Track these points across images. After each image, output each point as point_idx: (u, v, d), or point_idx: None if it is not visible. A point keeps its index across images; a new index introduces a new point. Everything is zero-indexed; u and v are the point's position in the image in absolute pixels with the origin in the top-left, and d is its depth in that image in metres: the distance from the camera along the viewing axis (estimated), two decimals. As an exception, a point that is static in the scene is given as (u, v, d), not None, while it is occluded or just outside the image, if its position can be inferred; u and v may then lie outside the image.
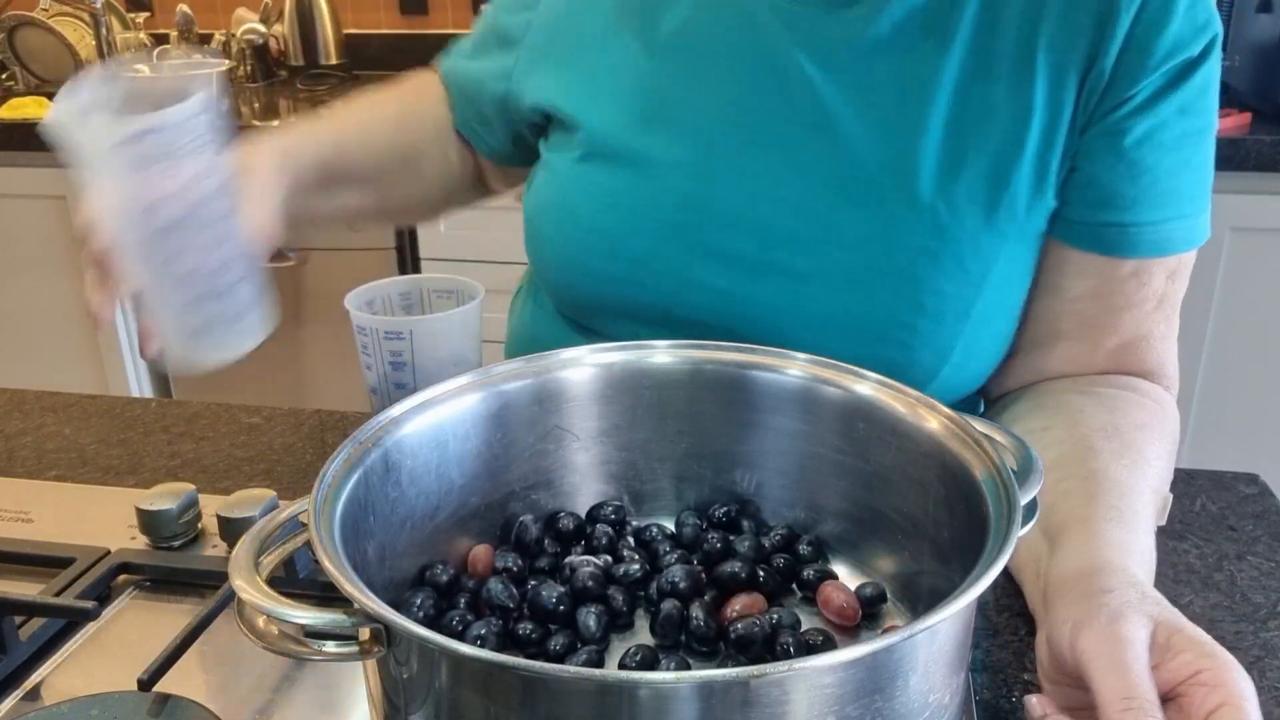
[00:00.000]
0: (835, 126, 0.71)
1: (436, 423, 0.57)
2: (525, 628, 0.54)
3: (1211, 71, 0.69)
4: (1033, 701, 0.50)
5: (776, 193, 0.72)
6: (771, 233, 0.72)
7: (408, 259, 2.02)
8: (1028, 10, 0.68)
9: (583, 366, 0.62)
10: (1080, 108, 0.69)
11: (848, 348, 0.70)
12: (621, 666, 0.52)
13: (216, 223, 0.57)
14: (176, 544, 0.70)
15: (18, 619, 0.61)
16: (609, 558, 0.60)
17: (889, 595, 0.58)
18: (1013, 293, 0.73)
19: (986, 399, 0.82)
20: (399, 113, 0.90)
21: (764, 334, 0.72)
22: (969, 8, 0.69)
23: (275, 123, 1.98)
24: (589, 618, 0.54)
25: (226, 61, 2.22)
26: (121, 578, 0.67)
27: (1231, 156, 1.68)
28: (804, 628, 0.55)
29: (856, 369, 0.59)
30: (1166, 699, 0.47)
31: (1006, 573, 0.66)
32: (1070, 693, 0.51)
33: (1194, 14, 0.67)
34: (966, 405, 0.82)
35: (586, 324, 0.81)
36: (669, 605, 0.55)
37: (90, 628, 0.63)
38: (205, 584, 0.67)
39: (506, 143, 0.88)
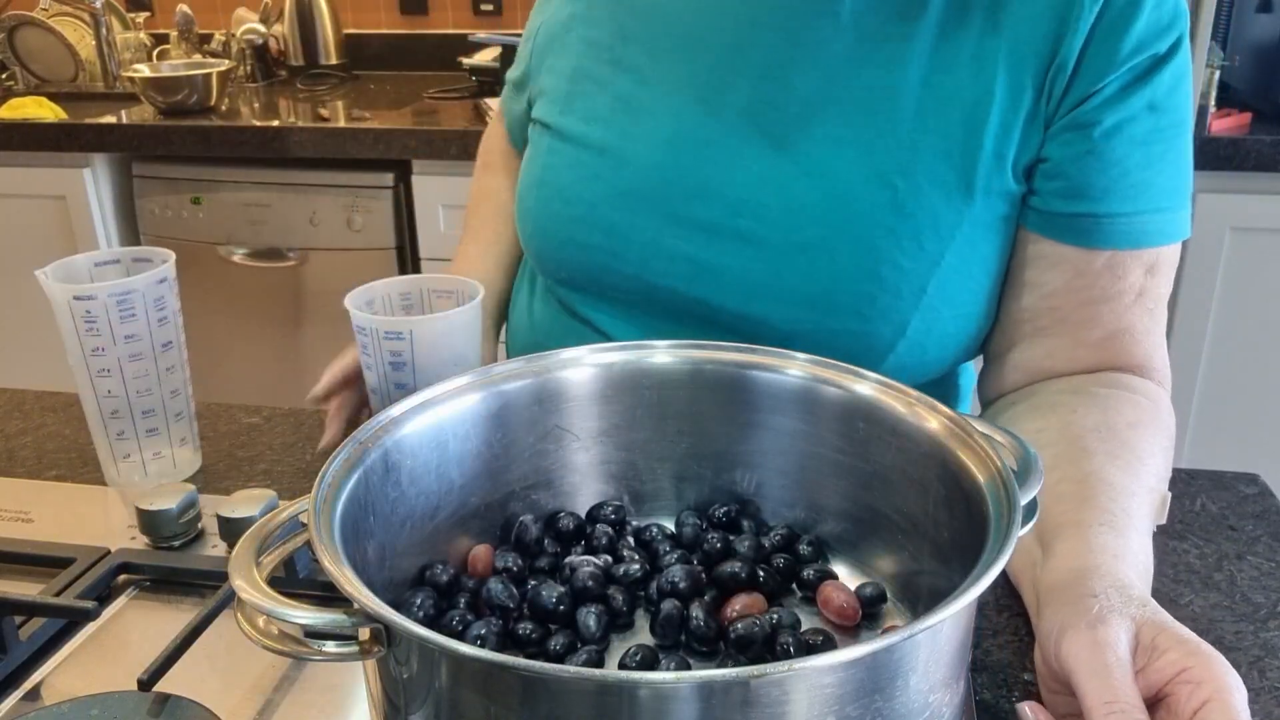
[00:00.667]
0: (799, 102, 0.73)
1: (436, 423, 0.57)
2: (525, 628, 0.54)
3: (1181, 68, 0.70)
4: (1025, 709, 0.50)
5: (741, 164, 0.75)
6: (736, 203, 0.74)
7: (408, 259, 2.02)
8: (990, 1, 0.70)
9: (583, 366, 0.62)
10: (1044, 98, 0.70)
11: (810, 316, 0.73)
12: (621, 666, 0.52)
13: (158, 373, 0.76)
14: (176, 544, 0.70)
15: (18, 619, 0.61)
16: (609, 558, 0.60)
17: (889, 595, 0.58)
18: (973, 274, 0.74)
19: (982, 403, 0.82)
20: (508, 201, 0.95)
21: (731, 302, 0.75)
22: None
23: (275, 123, 1.99)
24: (589, 618, 0.54)
25: (226, 61, 2.22)
26: (121, 578, 0.67)
27: (1231, 156, 1.68)
28: (804, 628, 0.55)
29: (856, 369, 0.59)
30: (1155, 699, 0.47)
31: (1006, 573, 0.66)
32: (1068, 700, 0.51)
33: (1160, 11, 0.68)
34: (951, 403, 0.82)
35: (571, 304, 0.84)
36: (669, 605, 0.55)
37: (90, 628, 0.63)
38: (205, 584, 0.67)
39: None
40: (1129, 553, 0.56)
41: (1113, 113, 0.69)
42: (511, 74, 0.94)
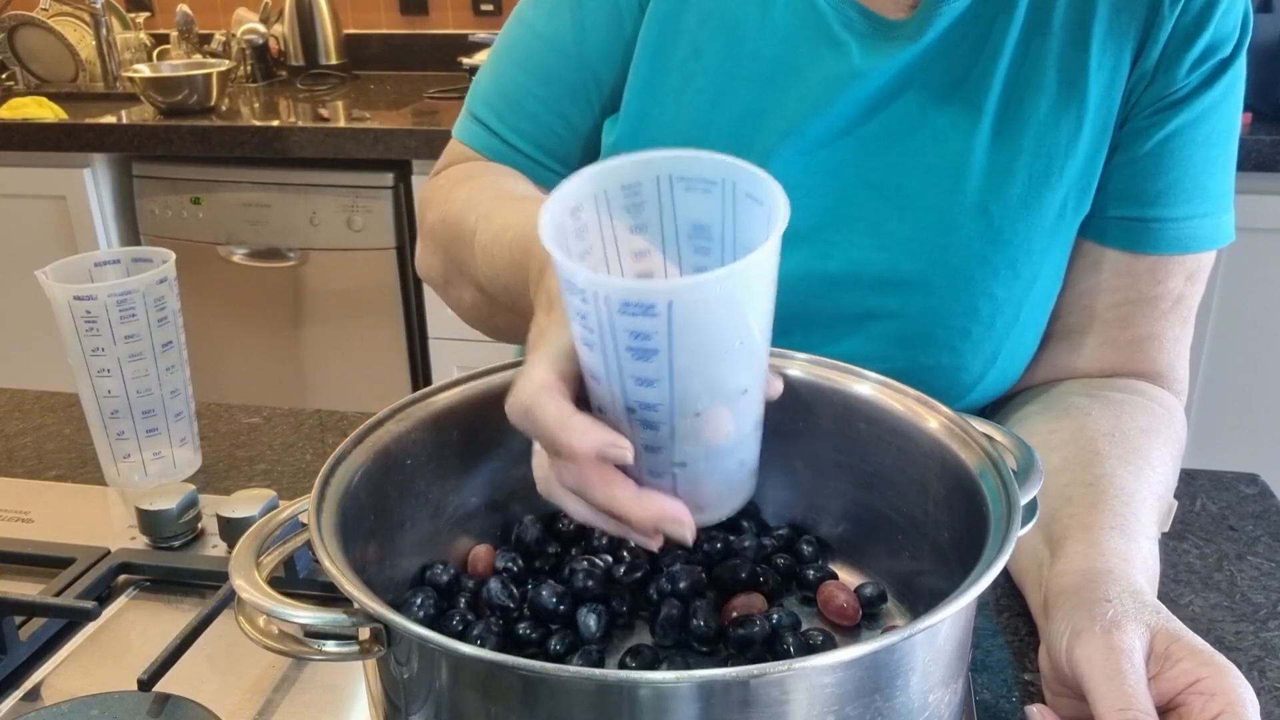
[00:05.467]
0: (884, 134, 0.71)
1: (437, 423, 0.57)
2: (525, 628, 0.54)
3: (1240, 72, 0.70)
4: (1033, 712, 0.50)
5: (828, 203, 0.71)
6: (826, 246, 0.71)
7: (408, 259, 2.02)
8: (1074, 15, 0.68)
9: (583, 366, 0.62)
10: (1123, 104, 0.70)
11: (900, 354, 0.71)
12: (621, 666, 0.52)
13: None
14: (176, 544, 0.70)
15: (18, 619, 0.61)
16: (609, 558, 0.60)
17: (889, 595, 0.58)
18: (1053, 291, 0.74)
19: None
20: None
21: (815, 343, 0.71)
22: (1017, 14, 0.69)
23: (275, 122, 1.99)
24: (589, 618, 0.54)
25: (226, 61, 2.22)
26: (121, 578, 0.67)
27: (1231, 156, 1.68)
28: (804, 628, 0.55)
29: (857, 369, 0.59)
30: (1166, 709, 0.47)
31: (1006, 573, 0.66)
32: (1073, 704, 0.51)
33: (1231, 16, 0.68)
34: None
35: None
36: (669, 605, 0.55)
37: (90, 628, 0.63)
38: (205, 584, 0.67)
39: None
40: (1138, 557, 0.56)
41: (1177, 116, 0.69)
42: (531, 88, 0.77)
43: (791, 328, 0.72)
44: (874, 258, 0.71)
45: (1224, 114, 0.70)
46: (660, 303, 0.39)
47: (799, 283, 0.72)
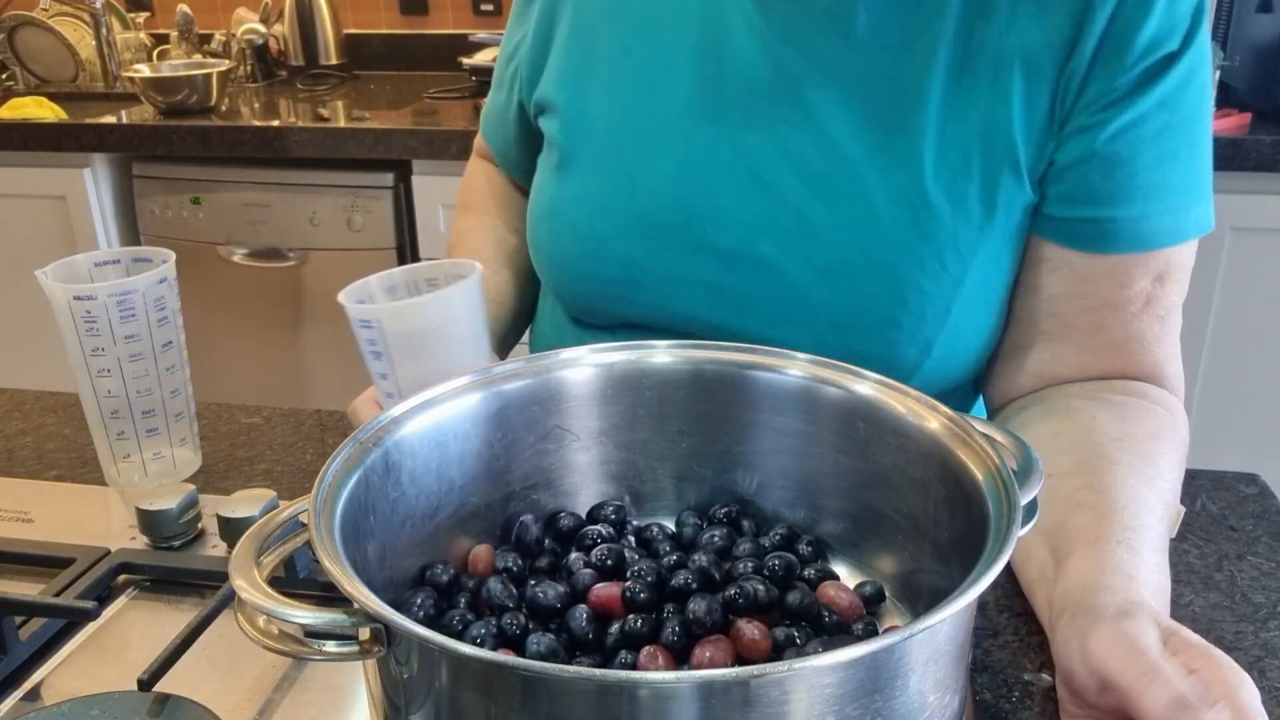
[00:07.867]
0: (816, 122, 0.72)
1: (436, 423, 0.57)
2: (524, 627, 0.54)
3: (1195, 62, 0.68)
4: None
5: (757, 188, 0.73)
6: (754, 228, 0.73)
7: (408, 259, 2.02)
8: (1009, 5, 0.68)
9: (583, 366, 0.62)
10: (1058, 102, 0.69)
11: (833, 339, 0.72)
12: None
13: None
14: (176, 544, 0.70)
15: (18, 619, 0.61)
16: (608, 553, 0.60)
17: (889, 595, 0.58)
18: (994, 287, 0.73)
19: (990, 407, 0.80)
20: (510, 245, 0.94)
21: (753, 327, 0.74)
22: (950, 4, 0.69)
23: (275, 123, 1.99)
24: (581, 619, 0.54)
25: (226, 61, 2.22)
26: (121, 578, 0.67)
27: (1231, 156, 1.68)
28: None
29: (857, 369, 0.59)
30: None
31: (1007, 572, 0.66)
32: None
33: (1174, 9, 0.67)
34: (964, 405, 0.81)
35: (589, 324, 0.82)
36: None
37: (90, 628, 0.63)
38: (205, 584, 0.67)
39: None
40: (1143, 572, 0.56)
41: (1123, 114, 0.68)
42: (494, 99, 0.91)
43: (730, 312, 0.74)
44: (803, 246, 0.72)
45: (1180, 107, 0.68)
46: (374, 320, 0.60)
47: (733, 265, 0.74)
